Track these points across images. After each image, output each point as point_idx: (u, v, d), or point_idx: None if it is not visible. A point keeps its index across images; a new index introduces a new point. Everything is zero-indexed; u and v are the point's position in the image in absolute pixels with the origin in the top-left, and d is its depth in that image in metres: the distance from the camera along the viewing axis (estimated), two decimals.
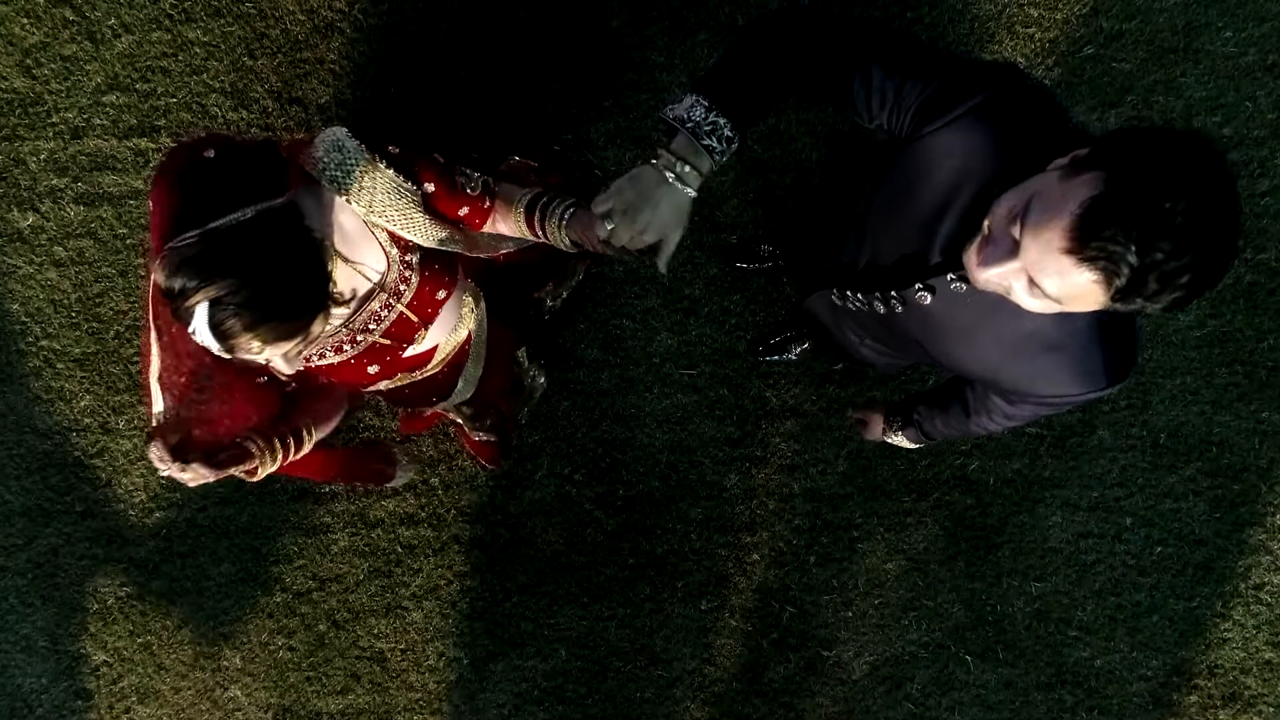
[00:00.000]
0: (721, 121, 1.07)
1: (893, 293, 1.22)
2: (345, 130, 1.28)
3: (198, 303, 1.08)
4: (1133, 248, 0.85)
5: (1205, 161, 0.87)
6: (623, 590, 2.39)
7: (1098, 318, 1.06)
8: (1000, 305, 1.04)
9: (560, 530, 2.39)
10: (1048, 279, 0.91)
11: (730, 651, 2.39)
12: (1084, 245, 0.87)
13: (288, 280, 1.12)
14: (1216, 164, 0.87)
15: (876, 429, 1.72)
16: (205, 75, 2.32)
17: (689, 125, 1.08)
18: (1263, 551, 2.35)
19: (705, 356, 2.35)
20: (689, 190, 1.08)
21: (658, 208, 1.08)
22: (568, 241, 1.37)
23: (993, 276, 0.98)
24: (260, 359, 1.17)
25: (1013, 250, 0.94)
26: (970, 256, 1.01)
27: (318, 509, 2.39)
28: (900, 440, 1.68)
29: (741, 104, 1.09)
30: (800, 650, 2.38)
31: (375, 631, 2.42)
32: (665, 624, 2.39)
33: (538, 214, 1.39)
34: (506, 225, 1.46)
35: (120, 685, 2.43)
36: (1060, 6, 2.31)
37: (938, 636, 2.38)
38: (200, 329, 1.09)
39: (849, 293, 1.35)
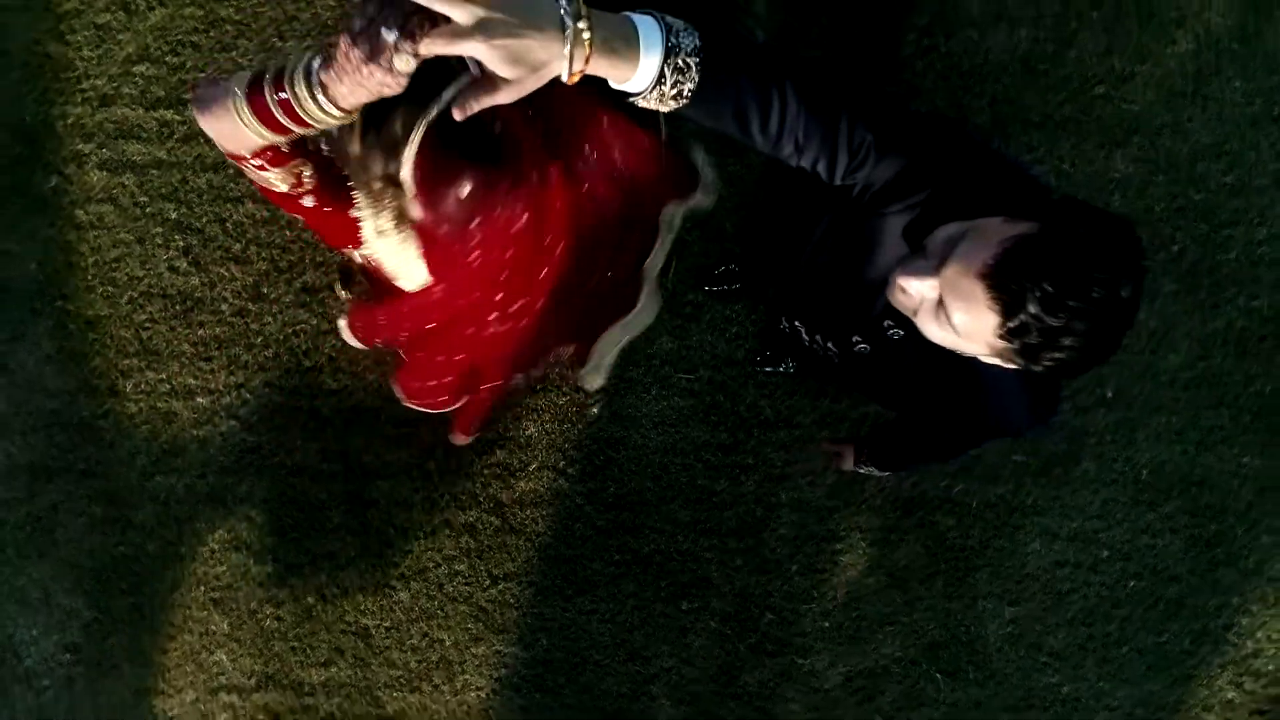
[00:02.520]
0: (694, 62, 0.91)
1: (830, 344, 1.27)
2: None
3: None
4: (1038, 295, 0.88)
5: (1135, 257, 0.91)
6: (607, 585, 2.44)
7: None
8: (934, 351, 1.05)
9: (550, 522, 2.44)
10: (956, 302, 0.93)
11: (708, 653, 2.44)
12: (998, 276, 0.90)
13: None
14: (1141, 264, 0.91)
15: (848, 461, 1.78)
16: (234, 53, 2.37)
17: (668, 24, 0.90)
18: (1234, 593, 2.40)
19: (704, 362, 2.40)
20: (568, 53, 0.83)
21: (526, 29, 0.81)
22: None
23: (909, 288, 0.98)
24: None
25: (936, 269, 0.96)
26: (896, 271, 1.02)
27: (314, 485, 2.44)
28: (871, 471, 1.74)
29: (721, 60, 0.93)
30: (777, 656, 2.43)
31: (362, 608, 2.47)
32: (646, 621, 2.43)
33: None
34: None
35: (108, 642, 2.47)
36: (1075, 44, 2.36)
37: (911, 652, 2.43)
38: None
39: (798, 324, 1.40)
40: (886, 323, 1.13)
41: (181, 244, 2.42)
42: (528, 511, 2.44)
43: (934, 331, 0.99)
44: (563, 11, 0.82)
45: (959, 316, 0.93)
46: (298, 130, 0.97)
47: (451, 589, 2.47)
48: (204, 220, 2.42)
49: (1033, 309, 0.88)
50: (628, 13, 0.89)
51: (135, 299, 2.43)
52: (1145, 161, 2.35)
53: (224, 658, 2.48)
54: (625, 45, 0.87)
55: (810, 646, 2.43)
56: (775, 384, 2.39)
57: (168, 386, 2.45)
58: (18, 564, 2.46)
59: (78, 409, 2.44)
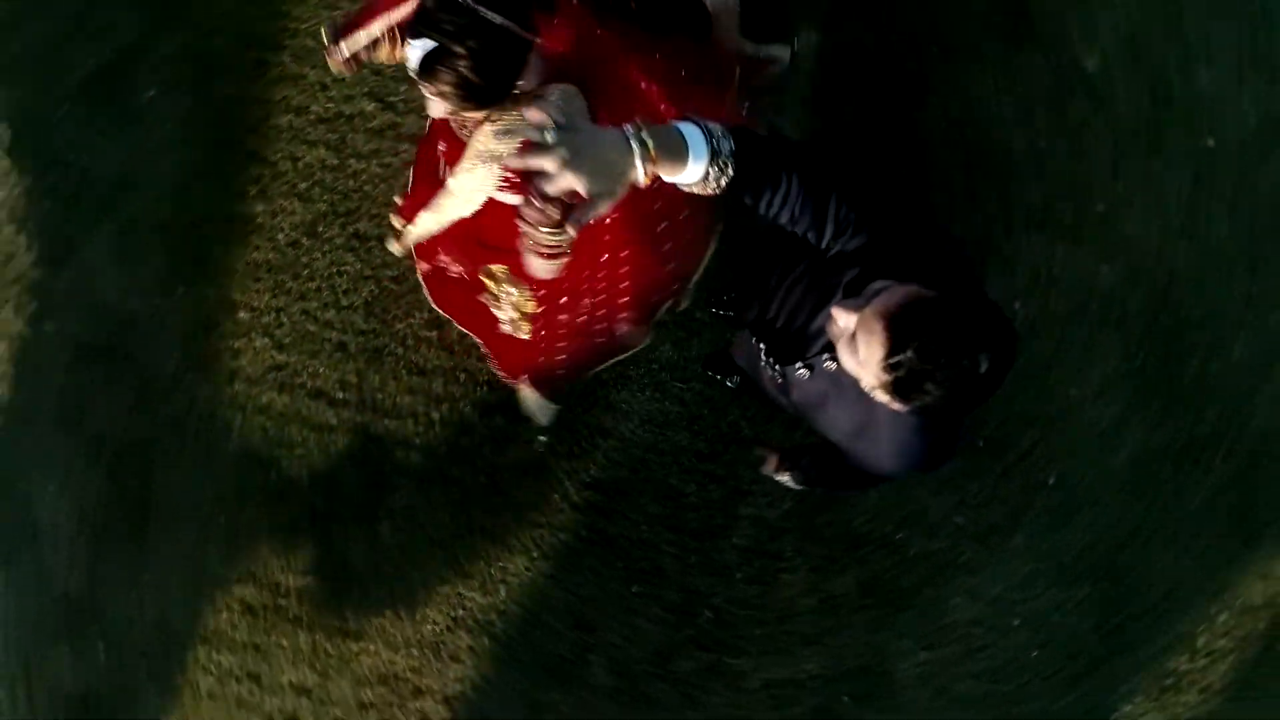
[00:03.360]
0: (730, 161, 1.18)
1: (778, 365, 1.51)
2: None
3: (424, 39, 1.40)
4: (916, 344, 1.10)
5: (1001, 342, 1.13)
6: (571, 557, 2.67)
7: (929, 421, 1.31)
8: (853, 387, 1.26)
9: (532, 490, 2.67)
10: (863, 334, 1.15)
11: (649, 635, 2.67)
12: (895, 321, 1.11)
13: (490, 70, 1.45)
14: (1007, 350, 1.13)
15: (771, 466, 1.97)
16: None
17: (710, 131, 1.16)
18: (1125, 681, 2.63)
19: (698, 376, 2.64)
20: (640, 165, 1.13)
21: (602, 156, 1.11)
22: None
23: (839, 318, 1.20)
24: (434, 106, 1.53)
25: (860, 308, 1.18)
26: (833, 305, 1.24)
27: (328, 410, 2.67)
28: (787, 480, 1.93)
29: (748, 157, 1.21)
30: (710, 651, 2.66)
31: (347, 534, 2.69)
32: (599, 596, 2.67)
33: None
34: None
35: (115, 518, 2.69)
36: (1086, 155, 2.60)
37: (828, 673, 2.66)
38: (414, 56, 1.42)
39: (762, 345, 1.63)
40: (825, 355, 1.37)
41: (254, 174, 2.66)
42: (514, 476, 2.67)
43: (846, 358, 1.21)
44: (629, 136, 1.13)
45: (862, 346, 1.16)
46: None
47: (431, 532, 2.70)
48: (278, 156, 2.66)
49: (910, 353, 1.10)
50: (676, 123, 1.17)
51: (202, 216, 2.66)
52: (1127, 279, 2.59)
53: (212, 551, 2.71)
54: (678, 153, 1.15)
55: (741, 649, 2.66)
56: (758, 408, 2.62)
57: (214, 298, 2.68)
58: (49, 430, 2.68)
59: (130, 302, 2.67)
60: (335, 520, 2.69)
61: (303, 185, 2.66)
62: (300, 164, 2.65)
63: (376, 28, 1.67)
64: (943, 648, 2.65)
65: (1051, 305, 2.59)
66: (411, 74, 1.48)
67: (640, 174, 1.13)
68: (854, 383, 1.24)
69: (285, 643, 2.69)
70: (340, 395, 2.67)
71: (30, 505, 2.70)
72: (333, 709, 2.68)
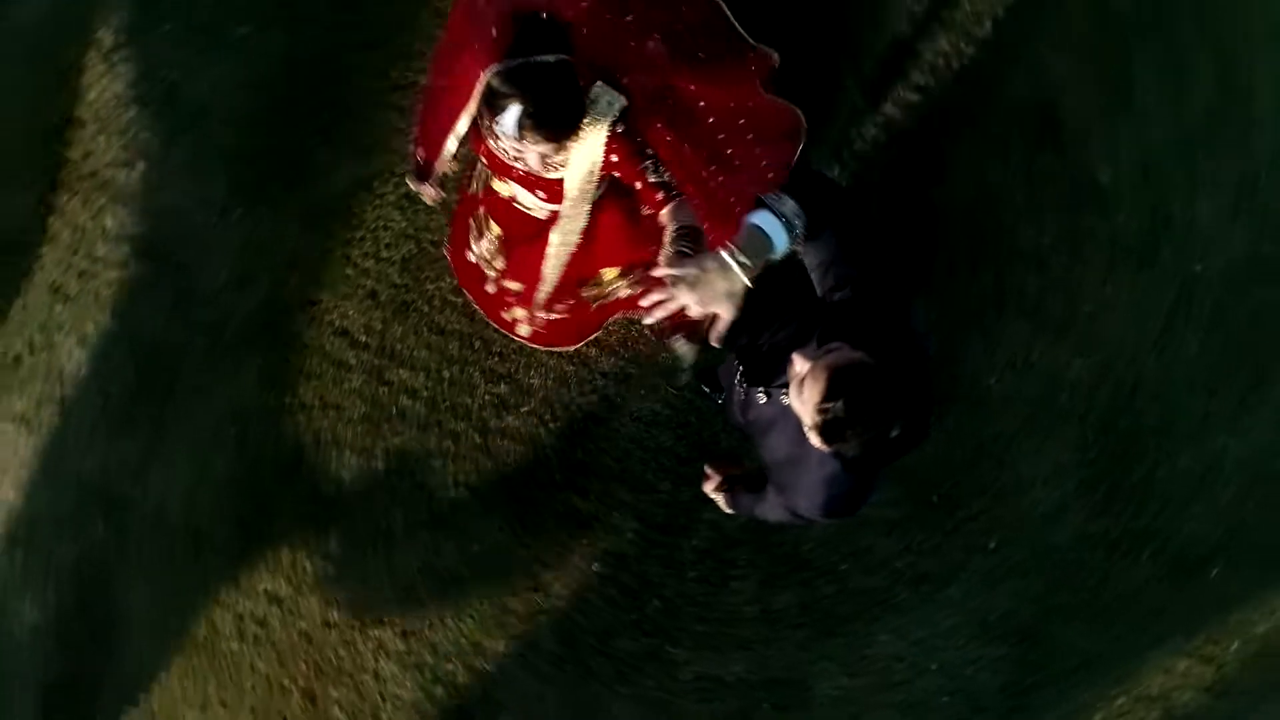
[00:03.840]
0: (803, 234, 1.48)
1: (745, 385, 1.76)
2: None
3: (511, 105, 1.63)
4: (845, 398, 1.33)
5: (918, 416, 1.38)
6: (542, 528, 2.89)
7: (846, 466, 1.52)
8: (799, 427, 1.47)
9: (518, 458, 2.89)
10: (809, 379, 1.37)
11: (598, 612, 2.89)
12: (835, 375, 1.34)
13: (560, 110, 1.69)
14: (920, 423, 1.37)
15: (710, 485, 2.18)
16: None
17: (782, 214, 1.45)
18: None
19: (692, 386, 2.86)
20: (743, 277, 1.45)
21: (712, 283, 1.46)
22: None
23: (796, 362, 1.42)
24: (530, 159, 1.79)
25: (815, 358, 1.40)
26: (796, 351, 1.47)
27: (349, 350, 2.89)
28: (721, 502, 2.17)
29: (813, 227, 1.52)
30: (651, 637, 2.88)
31: (344, 463, 2.92)
32: (560, 566, 2.89)
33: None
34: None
35: (136, 406, 2.91)
36: (1085, 259, 2.80)
37: (754, 679, 2.87)
38: (509, 124, 1.64)
39: (741, 369, 1.86)
40: (784, 389, 1.57)
41: (324, 122, 2.88)
42: (505, 443, 2.89)
43: (794, 396, 1.43)
44: (728, 257, 1.46)
45: (806, 389, 1.38)
46: None
47: (419, 478, 2.92)
48: (350, 111, 2.88)
49: (839, 405, 1.34)
50: (753, 219, 1.47)
51: (270, 150, 2.90)
52: (1098, 377, 2.81)
53: (218, 459, 2.93)
54: (767, 250, 1.46)
55: (680, 640, 2.88)
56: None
57: (266, 228, 2.90)
58: (94, 312, 2.91)
59: (190, 215, 2.89)
60: (334, 446, 2.91)
61: (366, 142, 2.87)
62: (369, 123, 2.87)
63: (452, 144, 1.90)
64: (862, 676, 2.87)
65: (1024, 388, 2.81)
66: (505, 141, 1.73)
67: (746, 283, 1.47)
68: (798, 420, 1.45)
69: (268, 553, 2.92)
70: (363, 339, 2.88)
71: (62, 381, 2.93)
72: (300, 621, 2.91)
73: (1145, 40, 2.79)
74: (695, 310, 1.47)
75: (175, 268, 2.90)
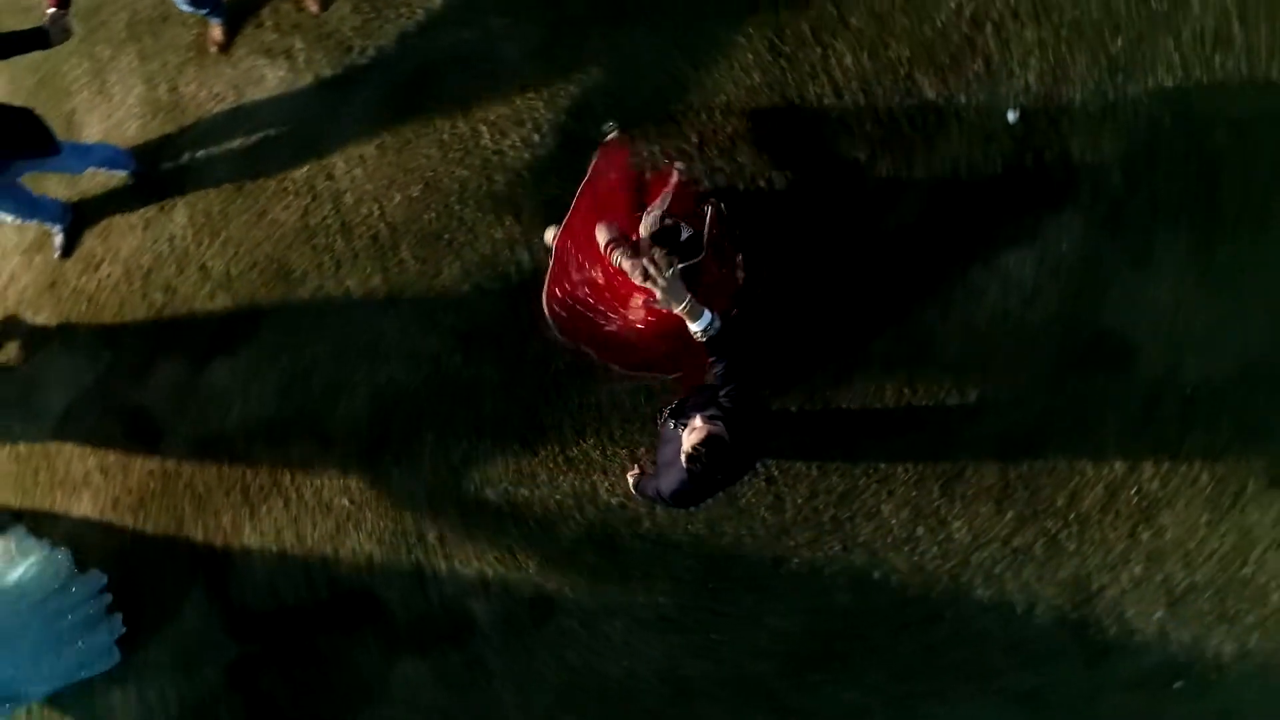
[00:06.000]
0: (710, 336, 2.55)
1: (669, 418, 2.80)
2: None
3: (664, 259, 2.54)
4: (703, 446, 2.39)
5: (736, 478, 2.74)
6: (541, 440, 3.62)
7: (690, 479, 2.50)
8: (679, 448, 2.48)
9: (526, 395, 3.63)
10: (695, 431, 2.43)
11: (537, 534, 3.65)
12: (706, 438, 2.40)
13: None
14: (736, 480, 2.56)
15: (632, 476, 3.28)
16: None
17: (712, 317, 2.51)
18: None
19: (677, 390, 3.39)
20: (679, 309, 2.52)
21: (673, 298, 2.51)
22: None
23: (695, 418, 2.47)
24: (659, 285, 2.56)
25: (705, 418, 2.46)
26: (691, 417, 2.52)
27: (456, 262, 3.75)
28: (630, 484, 3.28)
29: (717, 344, 2.57)
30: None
31: (393, 374, 3.75)
32: (541, 512, 3.64)
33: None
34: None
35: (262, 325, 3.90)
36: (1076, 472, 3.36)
37: (675, 672, 3.59)
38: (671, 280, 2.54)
39: (671, 406, 2.94)
40: (684, 427, 2.58)
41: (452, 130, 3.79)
42: (522, 377, 3.64)
43: (686, 434, 2.48)
44: (686, 301, 2.50)
45: (692, 435, 2.44)
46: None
47: (442, 408, 3.71)
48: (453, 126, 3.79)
49: (702, 450, 2.40)
50: (704, 309, 2.50)
51: (411, 139, 3.83)
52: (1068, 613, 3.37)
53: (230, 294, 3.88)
54: (694, 317, 2.50)
55: (611, 611, 3.64)
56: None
57: (369, 185, 3.83)
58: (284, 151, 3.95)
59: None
60: (391, 359, 3.76)
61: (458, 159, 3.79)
62: (471, 134, 3.77)
63: (656, 215, 2.80)
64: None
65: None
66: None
67: (678, 310, 2.50)
68: (679, 445, 2.49)
69: (305, 451, 3.86)
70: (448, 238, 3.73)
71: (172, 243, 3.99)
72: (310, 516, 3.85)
73: None
74: (661, 295, 2.51)
75: (313, 199, 3.92)
